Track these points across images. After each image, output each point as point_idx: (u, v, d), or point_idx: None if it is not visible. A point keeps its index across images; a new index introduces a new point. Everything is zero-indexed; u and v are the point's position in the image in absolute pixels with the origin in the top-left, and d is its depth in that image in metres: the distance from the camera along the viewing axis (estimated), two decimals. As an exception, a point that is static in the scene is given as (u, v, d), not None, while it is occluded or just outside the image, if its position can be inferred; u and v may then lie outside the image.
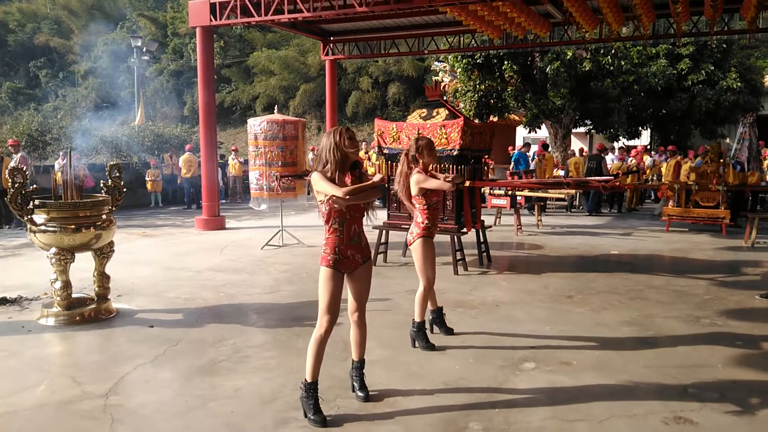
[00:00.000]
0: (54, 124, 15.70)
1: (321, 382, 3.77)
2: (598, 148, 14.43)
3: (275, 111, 9.80)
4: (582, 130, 18.73)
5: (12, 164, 10.72)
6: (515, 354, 4.68)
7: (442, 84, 18.91)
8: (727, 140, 19.67)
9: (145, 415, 3.63)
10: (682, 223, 11.53)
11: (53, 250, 5.36)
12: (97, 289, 5.80)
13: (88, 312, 5.56)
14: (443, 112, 7.50)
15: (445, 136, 7.18)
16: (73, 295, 5.64)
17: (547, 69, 15.18)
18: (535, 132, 17.89)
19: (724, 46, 16.31)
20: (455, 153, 7.17)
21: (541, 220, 11.85)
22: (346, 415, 3.63)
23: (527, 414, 3.67)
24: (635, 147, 17.06)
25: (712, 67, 16.19)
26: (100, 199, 5.76)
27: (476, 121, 15.70)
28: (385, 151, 7.74)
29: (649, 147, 18.44)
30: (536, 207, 11.91)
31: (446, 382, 4.13)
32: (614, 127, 16.53)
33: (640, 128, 17.71)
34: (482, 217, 8.24)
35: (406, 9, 10.16)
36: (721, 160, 11.13)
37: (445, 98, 17.93)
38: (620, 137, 17.19)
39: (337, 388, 4.00)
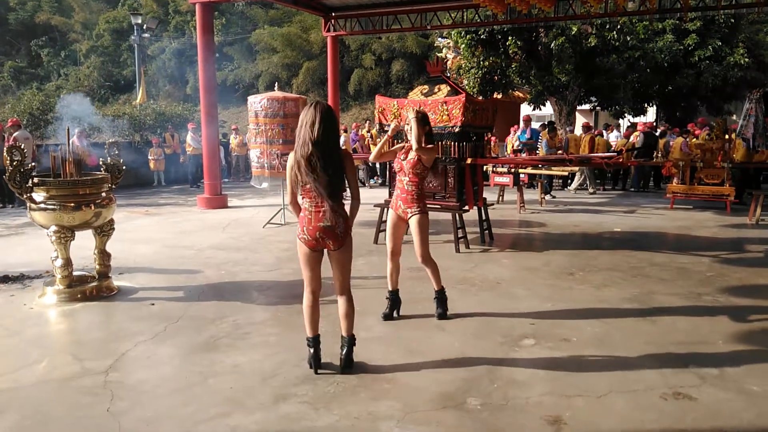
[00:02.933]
0: (55, 103, 15.63)
1: (322, 359, 3.92)
2: (583, 126, 14.25)
3: (276, 88, 9.72)
4: (587, 107, 18.56)
5: (11, 142, 10.71)
6: (515, 331, 4.68)
7: (445, 60, 18.74)
8: (734, 117, 19.48)
9: (144, 391, 3.65)
10: (687, 200, 11.45)
11: (53, 228, 5.35)
12: (98, 267, 5.82)
13: (89, 290, 5.57)
14: (445, 88, 7.41)
15: (446, 113, 7.11)
16: (75, 273, 5.65)
17: (552, 45, 14.99)
18: (540, 109, 17.74)
19: (732, 21, 16.02)
20: (457, 130, 7.11)
21: (544, 197, 11.80)
22: (344, 391, 3.63)
23: (526, 389, 3.67)
24: (638, 124, 16.88)
25: (720, 43, 15.93)
26: (100, 176, 5.74)
27: (479, 97, 15.57)
28: (386, 128, 7.67)
29: (654, 124, 18.23)
30: (539, 184, 11.84)
31: (445, 358, 4.13)
32: (620, 103, 16.37)
33: (645, 105, 17.53)
34: (485, 195, 8.21)
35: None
36: (727, 137, 11.02)
37: (448, 75, 17.83)
38: (626, 114, 17.03)
39: (335, 365, 4.00)
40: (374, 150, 5.03)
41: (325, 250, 3.82)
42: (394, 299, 5.00)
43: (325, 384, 3.73)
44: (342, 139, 16.54)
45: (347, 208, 3.83)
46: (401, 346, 4.38)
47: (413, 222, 4.83)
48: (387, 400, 3.53)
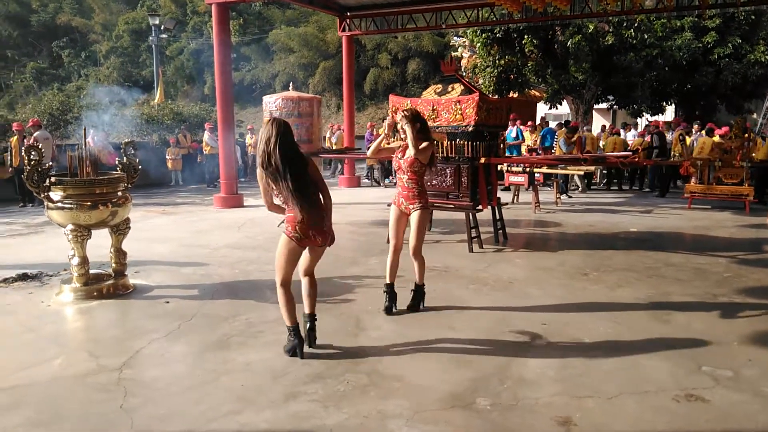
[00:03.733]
0: (75, 103, 15.85)
1: (331, 357, 4.05)
2: (572, 125, 14.04)
3: (290, 88, 9.76)
4: (604, 105, 18.42)
5: (31, 142, 10.89)
6: (527, 331, 4.66)
7: (461, 59, 18.70)
8: (754, 115, 19.19)
9: (157, 389, 3.69)
10: (705, 200, 11.30)
11: (70, 226, 5.44)
12: (114, 265, 5.89)
13: (105, 288, 5.65)
14: (459, 87, 7.40)
15: (460, 112, 7.09)
16: (91, 271, 5.74)
17: (569, 43, 14.89)
18: (556, 108, 17.63)
19: (753, 17, 15.79)
20: (470, 129, 7.09)
21: (560, 197, 11.72)
22: (354, 390, 3.65)
23: (536, 390, 3.66)
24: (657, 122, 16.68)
25: (740, 40, 15.71)
26: (116, 176, 5.81)
27: (494, 96, 15.51)
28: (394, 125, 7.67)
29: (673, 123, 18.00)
30: (555, 184, 11.77)
31: (456, 358, 4.13)
32: (637, 102, 16.21)
33: (664, 103, 17.34)
34: (499, 194, 8.18)
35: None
36: (746, 135, 10.86)
37: (463, 74, 17.78)
38: (643, 113, 16.85)
39: (347, 363, 4.03)
40: (372, 146, 5.22)
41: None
42: (392, 293, 5.13)
43: (335, 382, 3.75)
44: (335, 137, 16.60)
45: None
46: (412, 345, 4.38)
47: (414, 216, 4.95)
48: (396, 399, 3.54)
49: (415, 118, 4.89)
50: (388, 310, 5.05)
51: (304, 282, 4.25)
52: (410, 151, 4.88)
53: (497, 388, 3.69)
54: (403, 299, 5.19)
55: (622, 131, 15.60)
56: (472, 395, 3.59)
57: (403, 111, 4.97)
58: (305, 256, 4.20)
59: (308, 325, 4.22)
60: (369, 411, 3.39)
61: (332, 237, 4.16)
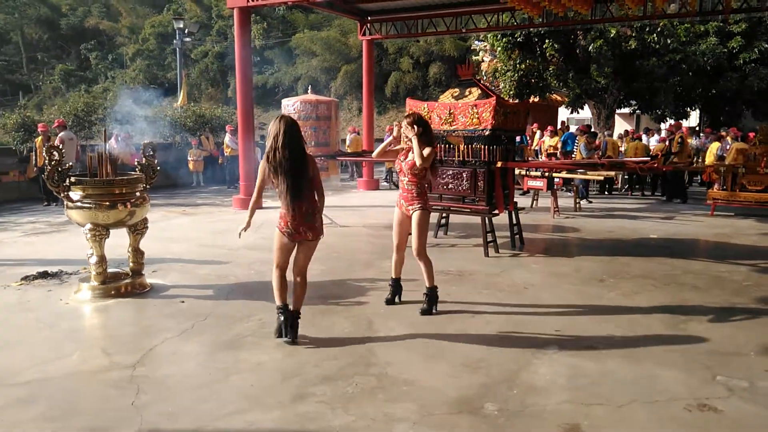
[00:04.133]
0: (100, 105, 16.12)
1: (342, 358, 4.07)
2: (580, 129, 13.85)
3: (309, 91, 9.83)
4: (627, 110, 18.20)
5: (56, 142, 11.11)
6: (539, 337, 4.63)
7: (482, 63, 18.65)
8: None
9: (168, 386, 3.74)
10: (728, 207, 11.11)
11: (88, 226, 5.53)
12: (131, 264, 5.98)
13: (122, 286, 5.73)
14: (476, 91, 7.39)
15: (476, 116, 7.07)
16: (109, 270, 5.83)
17: (590, 47, 14.76)
18: (578, 112, 17.48)
19: (780, 22, 15.53)
20: (487, 133, 7.07)
21: (580, 202, 11.61)
22: (362, 392, 3.66)
23: (545, 397, 3.63)
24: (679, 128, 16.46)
25: (766, 45, 15.43)
26: (135, 176, 5.90)
27: (515, 100, 15.44)
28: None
29: (697, 128, 17.76)
30: (574, 189, 11.66)
31: (466, 363, 4.12)
32: (660, 107, 15.99)
33: (688, 109, 17.09)
34: (518, 199, 8.13)
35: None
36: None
37: (484, 77, 17.74)
38: (667, 118, 16.63)
39: (356, 365, 4.04)
40: (378, 149, 5.49)
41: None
42: (396, 286, 5.37)
43: (344, 384, 3.76)
44: (349, 140, 16.66)
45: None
46: (423, 348, 4.39)
47: (414, 217, 5.07)
48: (404, 402, 3.54)
49: (417, 122, 4.99)
50: (389, 302, 5.27)
51: (295, 282, 4.47)
52: (411, 156, 5.02)
53: (506, 393, 3.67)
54: (414, 300, 5.21)
55: (644, 136, 15.42)
56: (480, 400, 3.58)
57: (405, 117, 5.11)
58: (297, 253, 4.42)
59: (290, 322, 4.40)
60: (376, 414, 3.40)
61: (322, 231, 4.42)
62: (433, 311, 5.14)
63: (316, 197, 4.34)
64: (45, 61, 48.32)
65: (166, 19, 40.79)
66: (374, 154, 5.43)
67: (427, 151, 4.92)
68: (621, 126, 19.92)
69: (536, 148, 15.16)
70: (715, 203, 10.89)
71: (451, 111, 7.28)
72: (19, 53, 48.69)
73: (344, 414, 3.39)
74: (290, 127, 4.17)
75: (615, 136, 16.05)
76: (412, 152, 4.99)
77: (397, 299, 5.36)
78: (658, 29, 14.35)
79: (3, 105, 38.46)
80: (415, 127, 4.95)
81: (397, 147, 5.31)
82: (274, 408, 3.46)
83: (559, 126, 16.97)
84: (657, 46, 14.56)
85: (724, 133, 13.56)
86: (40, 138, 11.97)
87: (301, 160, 4.18)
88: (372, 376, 3.88)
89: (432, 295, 5.17)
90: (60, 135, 11.71)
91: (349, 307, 5.35)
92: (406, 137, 5.03)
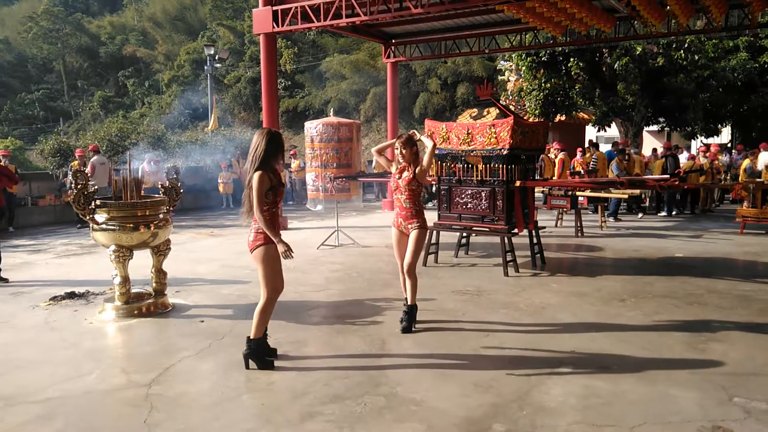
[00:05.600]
0: (133, 130, 16.61)
1: (352, 377, 4.12)
2: (622, 144, 13.70)
3: (331, 114, 9.98)
4: (655, 128, 17.96)
5: (88, 167, 11.48)
6: (553, 357, 4.59)
7: (508, 83, 18.66)
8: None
9: (181, 405, 3.82)
10: (758, 225, 10.84)
11: (112, 247, 5.70)
12: (154, 284, 6.13)
13: (145, 306, 5.87)
14: (494, 111, 7.42)
15: (494, 136, 7.10)
16: (133, 290, 5.99)
17: (616, 65, 14.66)
18: (605, 130, 17.31)
19: (814, 35, 15.21)
20: (505, 152, 7.08)
21: (605, 221, 11.47)
22: (371, 412, 3.68)
23: (555, 418, 3.59)
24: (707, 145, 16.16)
25: (800, 59, 15.15)
26: (158, 199, 6.07)
27: (541, 119, 15.37)
28: (436, 151, 7.72)
29: (729, 145, 17.41)
30: (599, 208, 11.53)
31: (477, 383, 4.10)
32: (690, 124, 15.74)
33: (719, 125, 16.78)
34: (540, 218, 8.08)
35: (462, 9, 10.12)
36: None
37: (510, 97, 17.73)
38: (697, 135, 16.35)
39: (366, 385, 4.06)
40: (381, 145, 5.79)
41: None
42: (411, 312, 5.25)
43: (353, 404, 3.78)
44: (375, 161, 16.69)
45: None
46: (434, 368, 4.39)
47: (412, 235, 5.13)
48: (411, 422, 3.55)
49: (411, 143, 5.21)
50: (406, 329, 5.17)
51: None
52: (407, 173, 5.16)
53: (516, 414, 3.65)
54: (428, 320, 5.21)
55: (673, 154, 15.15)
56: (489, 421, 3.56)
57: (399, 138, 5.28)
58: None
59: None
60: (382, 433, 3.41)
61: (254, 247, 4.38)
62: (413, 329, 5.19)
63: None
64: (85, 89, 50.06)
65: (200, 45, 41.86)
66: (374, 149, 5.71)
67: (426, 159, 5.13)
68: (651, 143, 19.61)
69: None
70: (745, 221, 10.64)
71: (469, 131, 7.32)
72: (61, 81, 50.59)
73: (350, 433, 3.41)
74: (269, 139, 4.32)
75: (648, 154, 15.83)
76: (407, 170, 5.16)
77: (414, 327, 5.24)
78: (686, 45, 14.19)
79: (45, 131, 39.89)
80: (413, 147, 5.21)
81: (391, 160, 5.53)
82: (282, 426, 3.50)
83: (586, 144, 16.83)
84: (684, 63, 14.39)
85: (757, 151, 13.27)
86: (76, 162, 12.38)
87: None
88: (381, 396, 3.90)
89: (412, 313, 5.23)
90: (92, 160, 12.10)
91: (364, 326, 5.38)
92: (402, 155, 5.18)
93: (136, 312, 5.78)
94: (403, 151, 5.15)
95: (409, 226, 5.17)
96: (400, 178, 5.24)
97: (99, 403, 3.87)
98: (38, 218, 13.18)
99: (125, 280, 5.80)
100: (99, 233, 5.73)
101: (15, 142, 23.62)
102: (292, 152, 19.08)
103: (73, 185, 5.56)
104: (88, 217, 5.66)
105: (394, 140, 5.43)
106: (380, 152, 5.71)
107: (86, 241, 10.61)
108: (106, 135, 15.22)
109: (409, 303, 5.21)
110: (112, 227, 5.68)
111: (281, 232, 4.58)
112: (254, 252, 4.35)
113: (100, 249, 9.55)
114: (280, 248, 4.25)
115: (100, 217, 5.70)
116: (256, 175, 4.22)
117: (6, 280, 7.31)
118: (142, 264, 6.44)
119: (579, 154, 14.63)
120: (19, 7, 57.09)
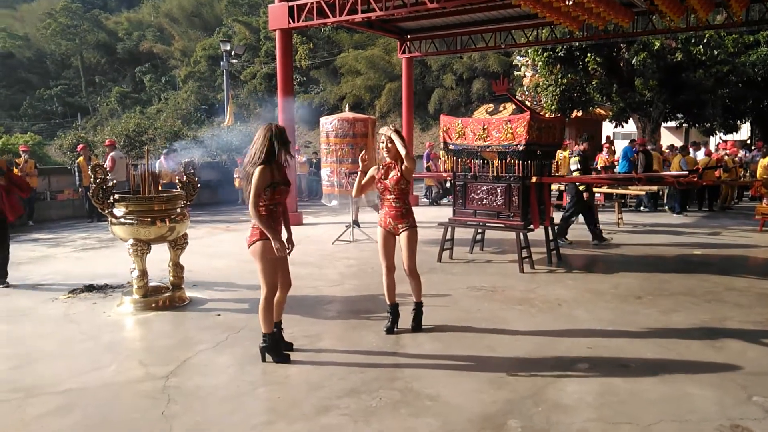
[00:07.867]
0: (149, 125, 16.75)
1: (367, 372, 4.13)
2: (638, 143, 13.54)
3: (346, 109, 9.99)
4: (673, 124, 17.76)
5: (108, 162, 11.60)
6: (570, 354, 4.56)
7: (524, 78, 18.55)
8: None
9: (198, 397, 3.85)
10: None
11: (131, 241, 5.76)
12: (172, 278, 6.19)
13: (162, 300, 5.93)
14: (510, 106, 7.38)
15: (510, 131, 7.06)
16: (150, 284, 6.05)
17: (634, 60, 14.51)
18: (622, 126, 17.16)
19: (837, 30, 14.91)
20: (521, 148, 7.04)
21: (622, 218, 11.38)
22: (386, 406, 3.69)
23: (571, 415, 3.58)
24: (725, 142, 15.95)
25: (823, 54, 14.87)
26: (175, 193, 6.12)
27: (558, 115, 15.26)
28: (451, 147, 7.72)
29: (749, 142, 17.19)
30: (617, 204, 11.44)
31: (492, 379, 4.10)
32: (709, 120, 15.55)
33: (738, 121, 16.55)
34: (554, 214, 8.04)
35: (478, 3, 10.06)
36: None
37: (526, 93, 17.63)
38: (716, 131, 16.14)
39: (381, 379, 4.08)
40: (353, 189, 5.18)
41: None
42: (394, 313, 5.14)
43: (369, 398, 3.80)
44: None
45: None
46: (449, 364, 4.39)
47: (403, 237, 4.97)
48: (426, 417, 3.55)
49: (398, 134, 4.96)
50: (389, 330, 5.05)
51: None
52: (394, 172, 4.91)
53: (531, 410, 3.64)
54: (437, 318, 5.21)
55: (691, 150, 14.98)
56: (504, 417, 3.55)
57: (383, 131, 5.00)
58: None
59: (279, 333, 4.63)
60: (397, 428, 3.42)
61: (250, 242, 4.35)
62: (422, 327, 5.13)
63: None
64: (102, 84, 50.56)
65: (216, 41, 42.07)
66: (354, 194, 5.22)
67: (407, 153, 4.89)
68: (669, 139, 19.43)
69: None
70: (764, 218, 10.50)
71: (485, 126, 7.29)
72: (79, 77, 51.14)
73: (366, 427, 3.42)
74: (272, 133, 4.37)
75: (667, 150, 15.66)
76: (394, 169, 4.92)
77: (396, 328, 5.09)
78: (704, 40, 14.01)
79: (63, 126, 40.38)
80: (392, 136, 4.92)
81: (371, 172, 5.11)
82: (297, 420, 3.52)
83: (603, 141, 16.67)
84: (703, 58, 14.20)
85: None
86: (81, 158, 12.47)
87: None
88: (397, 391, 3.91)
89: (419, 310, 5.18)
90: (111, 154, 12.22)
91: (379, 321, 5.38)
92: (387, 149, 4.93)
93: (153, 305, 5.84)
94: (389, 145, 4.91)
95: (399, 226, 4.97)
96: (386, 178, 4.98)
97: (117, 395, 3.92)
98: (57, 212, 13.35)
99: (143, 274, 5.86)
100: (117, 227, 5.79)
101: (34, 137, 23.93)
102: (296, 148, 19.06)
103: (92, 179, 5.61)
104: (106, 211, 5.72)
105: (362, 171, 5.07)
106: (362, 190, 5.17)
107: (104, 234, 10.73)
108: (124, 130, 15.38)
109: (416, 301, 5.17)
110: (130, 221, 5.74)
111: (292, 227, 4.65)
112: (251, 248, 4.33)
113: (119, 243, 9.62)
114: (274, 245, 4.23)
115: (119, 211, 5.76)
116: (258, 168, 4.21)
117: (7, 284, 6.90)
118: (159, 258, 6.49)
119: (605, 150, 14.32)
120: (38, 4, 57.79)
